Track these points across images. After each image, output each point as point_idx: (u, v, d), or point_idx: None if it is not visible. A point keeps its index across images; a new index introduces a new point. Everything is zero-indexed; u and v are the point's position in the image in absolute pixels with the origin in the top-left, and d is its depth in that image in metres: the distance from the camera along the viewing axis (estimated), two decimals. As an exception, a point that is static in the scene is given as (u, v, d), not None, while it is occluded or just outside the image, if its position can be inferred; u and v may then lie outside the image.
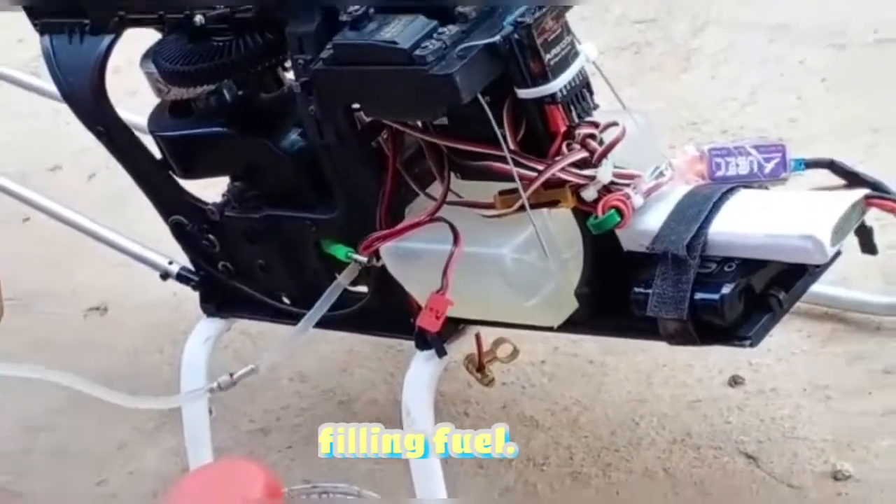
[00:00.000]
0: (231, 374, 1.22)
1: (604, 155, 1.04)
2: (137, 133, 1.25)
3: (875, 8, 1.68)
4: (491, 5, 1.04)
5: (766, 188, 1.08)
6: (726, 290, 1.01)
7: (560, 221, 1.07)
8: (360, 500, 0.93)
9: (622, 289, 1.06)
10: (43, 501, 1.39)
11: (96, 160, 1.29)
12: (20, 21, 1.25)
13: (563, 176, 1.03)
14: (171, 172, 1.24)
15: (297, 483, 0.93)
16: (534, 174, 1.03)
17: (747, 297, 1.03)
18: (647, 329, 1.05)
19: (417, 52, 1.01)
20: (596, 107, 1.06)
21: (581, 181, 1.04)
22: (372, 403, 1.35)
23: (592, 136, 1.04)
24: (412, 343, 1.16)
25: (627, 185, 1.05)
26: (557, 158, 1.03)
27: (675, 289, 1.02)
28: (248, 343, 1.38)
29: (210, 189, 1.25)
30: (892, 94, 1.56)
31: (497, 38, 1.00)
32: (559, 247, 1.07)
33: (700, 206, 1.03)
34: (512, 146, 1.03)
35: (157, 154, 1.24)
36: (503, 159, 1.03)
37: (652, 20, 1.77)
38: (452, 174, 1.09)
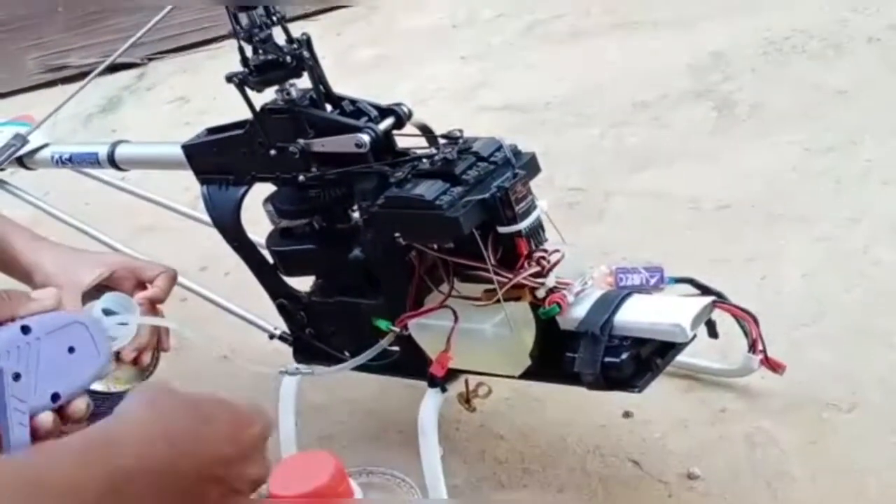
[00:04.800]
0: (297, 367, 1.23)
1: (550, 270, 1.05)
2: (258, 247, 1.26)
3: (717, 185, 1.70)
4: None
5: (651, 294, 1.10)
6: (624, 356, 1.03)
7: (521, 309, 1.07)
8: (397, 479, 0.92)
9: (559, 353, 1.07)
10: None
11: (230, 263, 1.30)
12: (187, 176, 1.26)
13: (525, 282, 1.05)
14: (278, 272, 1.24)
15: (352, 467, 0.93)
16: (506, 280, 1.05)
17: (637, 361, 1.04)
18: (574, 379, 1.06)
19: (437, 202, 1.02)
20: (546, 239, 1.07)
21: (536, 285, 1.05)
22: (399, 421, 1.34)
23: (543, 258, 1.05)
24: (426, 383, 1.16)
25: (564, 289, 1.06)
26: (521, 271, 1.04)
27: (592, 354, 1.03)
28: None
29: (303, 283, 1.26)
30: (730, 237, 1.57)
31: (487, 195, 1.02)
32: (520, 325, 1.08)
33: (609, 304, 1.05)
34: (493, 262, 1.04)
35: (270, 260, 1.25)
36: (487, 270, 1.05)
37: (580, 189, 1.79)
38: (455, 278, 1.10)
